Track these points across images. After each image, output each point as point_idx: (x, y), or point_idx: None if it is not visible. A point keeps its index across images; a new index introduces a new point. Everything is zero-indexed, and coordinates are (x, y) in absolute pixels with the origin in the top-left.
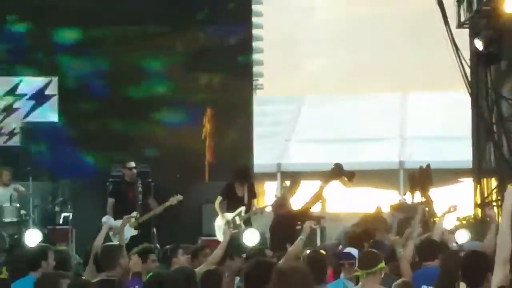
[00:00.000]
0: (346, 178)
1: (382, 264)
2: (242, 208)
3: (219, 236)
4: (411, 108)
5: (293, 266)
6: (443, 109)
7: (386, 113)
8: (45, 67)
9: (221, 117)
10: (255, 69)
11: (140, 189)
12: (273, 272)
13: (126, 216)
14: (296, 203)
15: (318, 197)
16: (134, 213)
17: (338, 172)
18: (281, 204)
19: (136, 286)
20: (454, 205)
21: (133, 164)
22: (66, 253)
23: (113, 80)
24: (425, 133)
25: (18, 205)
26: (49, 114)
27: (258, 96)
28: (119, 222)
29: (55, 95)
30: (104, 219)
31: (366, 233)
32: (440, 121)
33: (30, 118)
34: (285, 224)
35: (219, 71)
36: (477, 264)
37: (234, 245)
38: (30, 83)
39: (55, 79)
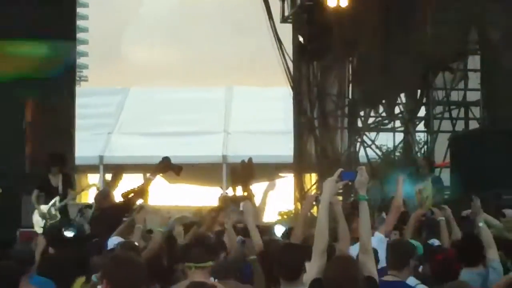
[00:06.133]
0: (173, 172)
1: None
2: (57, 198)
3: (37, 229)
4: (236, 102)
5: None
6: (267, 103)
7: (211, 106)
8: None
9: (42, 109)
10: (80, 60)
11: None
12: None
13: None
14: (120, 196)
15: (144, 189)
16: None
17: (166, 165)
18: (104, 196)
19: None
20: (273, 183)
21: None
22: None
23: None
24: (249, 127)
25: None
26: None
27: (82, 88)
28: None
29: None
30: None
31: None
32: (264, 115)
33: None
34: (109, 217)
35: None
36: (294, 254)
37: (55, 236)
38: None
39: None
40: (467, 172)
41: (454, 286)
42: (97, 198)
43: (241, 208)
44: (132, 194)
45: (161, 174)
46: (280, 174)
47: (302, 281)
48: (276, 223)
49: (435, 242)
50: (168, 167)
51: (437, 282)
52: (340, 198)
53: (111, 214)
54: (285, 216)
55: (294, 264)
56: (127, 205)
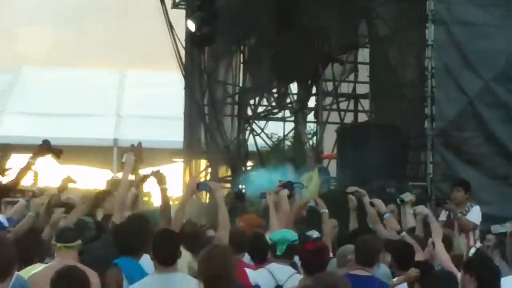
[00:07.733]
0: (53, 155)
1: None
2: None
3: None
4: (128, 86)
5: None
6: (159, 88)
7: (103, 89)
8: None
9: None
10: None
11: None
12: None
13: None
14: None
15: (25, 171)
16: None
17: (45, 148)
18: None
19: None
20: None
21: None
22: None
23: None
24: (141, 111)
25: None
26: None
27: None
28: None
29: None
30: None
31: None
32: (156, 100)
33: None
34: None
35: None
36: (169, 240)
37: None
38: None
39: None
40: (352, 164)
41: (323, 276)
42: None
43: (123, 160)
44: (15, 177)
45: (41, 157)
46: (173, 160)
47: (176, 266)
48: None
49: (314, 234)
50: (47, 151)
51: (307, 272)
52: (228, 185)
53: None
54: (176, 202)
55: (168, 249)
56: (10, 186)
